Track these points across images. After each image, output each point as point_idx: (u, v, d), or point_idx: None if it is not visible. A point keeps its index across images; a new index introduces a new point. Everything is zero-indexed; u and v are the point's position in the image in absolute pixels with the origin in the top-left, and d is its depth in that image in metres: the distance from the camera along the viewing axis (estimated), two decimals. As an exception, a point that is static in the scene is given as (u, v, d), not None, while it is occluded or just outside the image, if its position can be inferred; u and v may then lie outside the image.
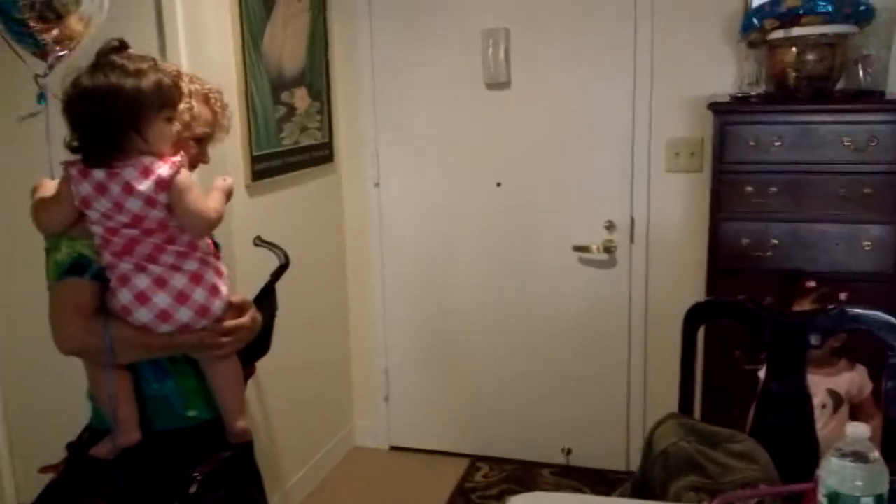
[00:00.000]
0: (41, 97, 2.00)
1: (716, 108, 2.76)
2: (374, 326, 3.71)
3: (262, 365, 2.98)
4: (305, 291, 3.37)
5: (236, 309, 1.81)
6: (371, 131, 3.52)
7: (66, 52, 1.94)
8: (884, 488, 1.27)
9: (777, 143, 2.68)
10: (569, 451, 3.52)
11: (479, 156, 3.42)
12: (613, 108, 3.23)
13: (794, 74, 2.70)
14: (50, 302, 1.69)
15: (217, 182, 1.80)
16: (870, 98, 2.71)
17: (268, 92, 2.95)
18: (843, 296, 2.44)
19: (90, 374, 1.77)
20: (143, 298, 1.66)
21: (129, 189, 1.60)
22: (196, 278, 1.69)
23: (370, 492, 3.49)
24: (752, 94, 2.87)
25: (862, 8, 2.67)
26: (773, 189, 2.72)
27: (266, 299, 2.65)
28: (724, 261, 2.82)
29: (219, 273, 1.76)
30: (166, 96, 1.65)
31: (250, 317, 1.84)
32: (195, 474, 1.39)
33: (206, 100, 1.86)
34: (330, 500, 3.41)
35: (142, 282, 1.65)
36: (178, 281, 1.67)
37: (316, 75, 3.30)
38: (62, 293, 1.68)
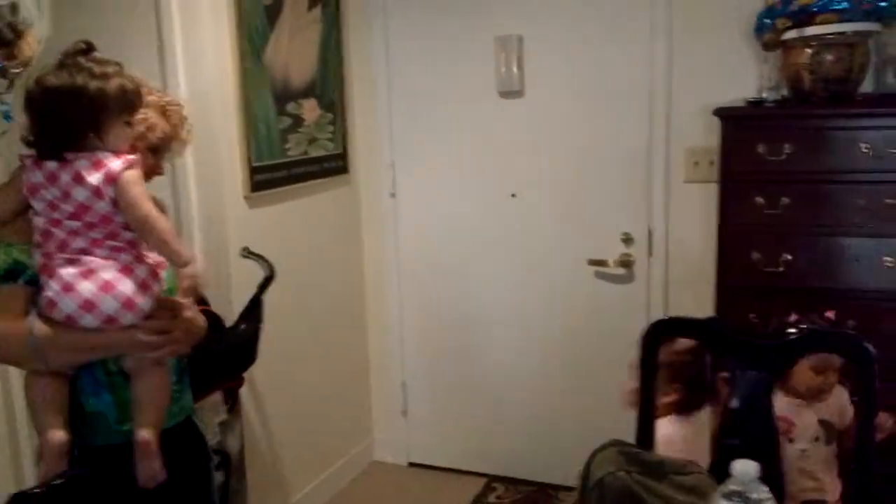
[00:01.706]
0: (6, 115, 2.04)
1: (722, 114, 2.60)
2: (391, 339, 3.66)
3: (274, 376, 3.01)
4: (322, 303, 3.36)
5: (168, 310, 1.78)
6: (386, 142, 3.48)
7: (22, 69, 1.98)
8: (773, 534, 1.13)
9: (788, 151, 2.49)
10: (590, 474, 3.36)
11: (493, 166, 3.34)
12: (630, 117, 3.09)
13: (809, 76, 2.51)
14: None
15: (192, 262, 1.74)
16: (890, 100, 2.49)
17: (270, 103, 2.95)
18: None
19: (25, 383, 1.77)
20: (68, 288, 1.62)
21: (78, 178, 1.60)
22: (126, 271, 1.65)
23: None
24: (769, 99, 2.67)
25: (883, 4, 2.45)
26: (786, 200, 2.53)
27: (252, 311, 2.65)
28: (733, 277, 2.64)
29: (154, 275, 1.73)
30: (128, 100, 1.66)
31: (187, 317, 1.78)
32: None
33: (163, 112, 1.86)
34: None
35: (69, 273, 1.63)
36: (106, 272, 1.64)
37: (328, 86, 3.28)
38: None
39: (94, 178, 1.60)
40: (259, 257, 2.69)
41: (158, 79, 2.58)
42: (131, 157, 1.64)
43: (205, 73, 2.70)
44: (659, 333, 1.89)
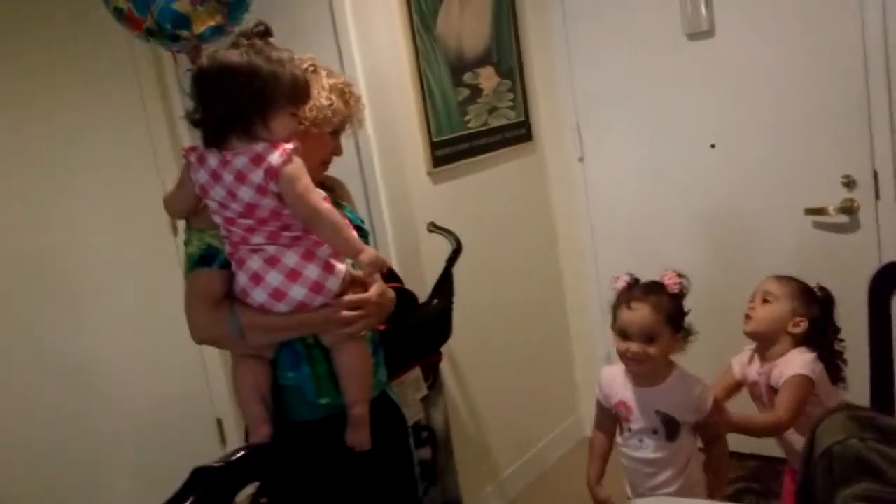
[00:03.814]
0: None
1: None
2: (591, 309, 3.51)
3: (474, 352, 2.97)
4: (517, 274, 3.29)
5: (359, 285, 1.75)
6: (570, 104, 3.33)
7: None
8: None
9: None
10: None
11: (686, 116, 3.10)
12: (839, 40, 2.74)
13: None
14: (185, 294, 1.75)
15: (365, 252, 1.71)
16: None
17: (446, 75, 2.91)
18: None
19: (232, 366, 1.83)
20: (256, 279, 1.65)
21: (240, 178, 1.59)
22: (308, 255, 1.66)
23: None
24: None
25: None
26: None
27: (443, 285, 2.62)
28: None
29: (335, 254, 1.72)
30: (299, 92, 1.65)
31: (376, 291, 1.77)
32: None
33: (342, 94, 1.84)
34: (548, 490, 3.29)
35: (255, 263, 1.65)
36: (290, 259, 1.65)
37: (504, 53, 3.18)
38: (192, 284, 1.73)
39: (256, 175, 1.58)
40: (445, 231, 2.65)
41: (335, 61, 2.60)
42: (289, 146, 1.60)
43: (378, 51, 2.69)
44: (891, 278, 1.62)
